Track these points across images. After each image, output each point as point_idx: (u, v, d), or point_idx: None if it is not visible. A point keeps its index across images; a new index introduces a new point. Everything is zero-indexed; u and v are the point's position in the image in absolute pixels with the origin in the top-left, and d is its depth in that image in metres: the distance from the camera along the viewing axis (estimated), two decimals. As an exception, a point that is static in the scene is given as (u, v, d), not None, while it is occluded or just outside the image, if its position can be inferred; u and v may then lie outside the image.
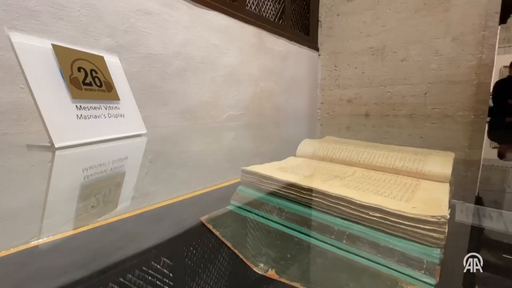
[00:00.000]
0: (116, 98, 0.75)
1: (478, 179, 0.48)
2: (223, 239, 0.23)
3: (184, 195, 0.35)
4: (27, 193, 0.36)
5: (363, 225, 0.23)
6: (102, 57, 0.75)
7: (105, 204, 0.32)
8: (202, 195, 0.36)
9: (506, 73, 2.36)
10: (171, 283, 0.19)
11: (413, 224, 0.21)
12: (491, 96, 1.94)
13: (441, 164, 0.34)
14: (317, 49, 2.18)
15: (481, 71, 1.64)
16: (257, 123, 1.58)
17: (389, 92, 1.95)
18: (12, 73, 0.73)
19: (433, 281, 0.18)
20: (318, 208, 0.27)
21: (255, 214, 0.29)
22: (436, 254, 0.20)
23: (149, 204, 0.31)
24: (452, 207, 0.29)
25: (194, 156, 0.63)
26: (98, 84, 0.71)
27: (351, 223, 0.24)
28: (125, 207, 0.32)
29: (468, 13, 1.64)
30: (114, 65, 0.79)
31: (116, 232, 0.26)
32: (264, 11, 1.69)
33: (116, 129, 0.72)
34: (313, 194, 0.27)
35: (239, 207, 0.30)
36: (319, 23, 2.18)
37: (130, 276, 0.19)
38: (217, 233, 0.24)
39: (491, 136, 1.09)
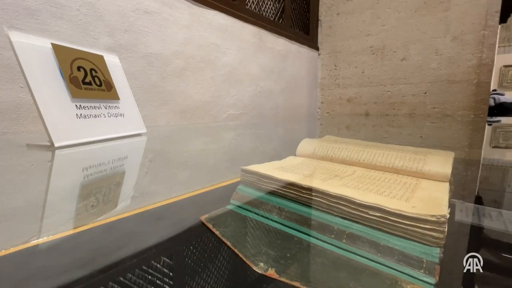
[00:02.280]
0: (116, 97, 0.75)
1: (478, 179, 0.48)
2: (223, 239, 0.23)
3: (184, 194, 0.35)
4: (27, 193, 0.36)
5: (363, 224, 0.23)
6: (101, 57, 0.75)
7: (105, 203, 0.32)
8: (202, 195, 0.36)
9: (506, 73, 2.36)
10: (171, 282, 0.19)
11: (412, 223, 0.21)
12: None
13: (441, 163, 0.34)
14: (317, 48, 2.18)
15: (481, 71, 1.64)
16: (257, 123, 1.58)
17: (389, 91, 1.95)
18: (12, 72, 0.73)
19: (432, 280, 0.18)
20: (318, 208, 0.27)
21: (255, 213, 0.29)
22: (435, 253, 0.20)
23: (149, 204, 0.31)
24: (451, 206, 0.29)
25: (194, 155, 0.63)
26: (98, 83, 0.71)
27: (351, 223, 0.24)
28: (125, 206, 0.32)
29: (468, 12, 1.64)
30: (113, 64, 0.79)
31: (116, 232, 0.26)
32: (264, 10, 1.69)
33: (116, 128, 0.72)
34: (313, 194, 0.27)
35: (239, 207, 0.30)
36: (319, 22, 2.17)
37: (130, 275, 0.19)
38: (217, 233, 0.24)
39: None
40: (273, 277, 0.18)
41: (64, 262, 0.20)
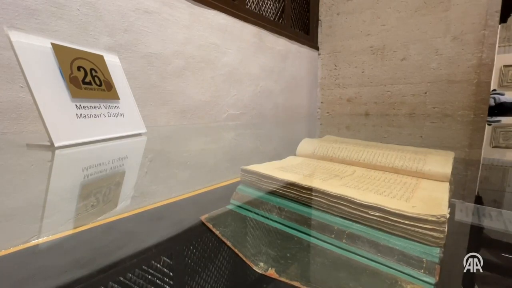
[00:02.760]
0: (116, 97, 0.75)
1: (478, 178, 0.48)
2: (223, 238, 0.23)
3: (184, 194, 0.35)
4: (27, 193, 0.36)
5: (363, 224, 0.23)
6: (101, 56, 0.75)
7: (105, 203, 0.32)
8: (202, 194, 0.36)
9: (506, 73, 2.36)
10: (171, 282, 0.19)
11: (413, 223, 0.21)
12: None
13: (441, 163, 0.34)
14: (317, 48, 2.18)
15: (481, 70, 1.64)
16: (257, 123, 1.58)
17: (389, 91, 1.95)
18: (12, 72, 0.73)
19: (432, 280, 0.18)
20: (318, 207, 0.27)
21: (255, 213, 0.29)
22: (435, 253, 0.20)
23: (149, 204, 0.31)
24: (451, 206, 0.29)
25: (194, 155, 0.63)
26: (98, 83, 0.71)
27: (351, 222, 0.24)
28: (125, 206, 0.32)
29: (468, 12, 1.64)
30: (113, 64, 0.79)
31: (116, 232, 0.26)
32: (264, 10, 1.69)
33: (116, 128, 0.72)
34: (313, 193, 0.27)
35: (239, 206, 0.30)
36: (319, 22, 2.17)
37: (130, 275, 0.19)
38: (217, 232, 0.24)
39: None
40: (273, 277, 0.18)
41: (64, 262, 0.20)
